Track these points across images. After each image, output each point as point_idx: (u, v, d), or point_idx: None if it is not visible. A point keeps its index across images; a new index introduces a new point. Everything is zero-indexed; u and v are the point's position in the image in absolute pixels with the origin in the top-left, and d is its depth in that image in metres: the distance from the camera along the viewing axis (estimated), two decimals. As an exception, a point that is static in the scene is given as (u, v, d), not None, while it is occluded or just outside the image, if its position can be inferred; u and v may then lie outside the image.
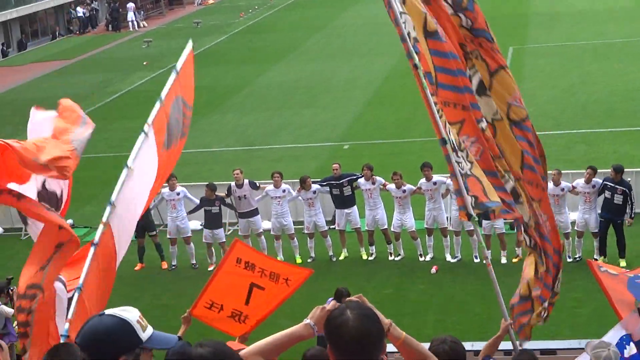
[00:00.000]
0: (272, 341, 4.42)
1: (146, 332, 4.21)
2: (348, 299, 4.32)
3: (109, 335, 4.05)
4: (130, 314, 4.18)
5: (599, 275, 8.51)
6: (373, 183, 19.09)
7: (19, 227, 22.12)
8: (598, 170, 18.47)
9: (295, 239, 19.75)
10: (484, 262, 18.63)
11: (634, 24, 43.63)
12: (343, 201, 19.50)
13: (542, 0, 53.60)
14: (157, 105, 7.85)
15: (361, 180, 19.25)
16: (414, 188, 18.83)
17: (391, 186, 18.98)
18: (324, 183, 19.61)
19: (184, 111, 8.28)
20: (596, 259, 18.16)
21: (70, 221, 22.91)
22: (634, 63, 35.66)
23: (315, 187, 19.48)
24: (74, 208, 23.87)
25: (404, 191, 18.90)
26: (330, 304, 4.30)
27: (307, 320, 4.31)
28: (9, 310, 14.14)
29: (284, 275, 9.23)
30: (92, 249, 7.17)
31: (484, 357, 8.32)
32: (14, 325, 14.17)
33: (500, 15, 49.31)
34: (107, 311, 4.16)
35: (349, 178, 19.45)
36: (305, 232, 19.77)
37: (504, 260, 18.53)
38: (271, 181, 19.71)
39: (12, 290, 14.53)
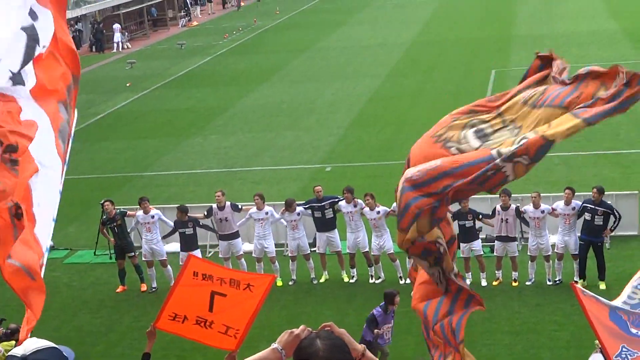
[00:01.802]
0: None
1: None
2: (323, 325, 4.36)
3: None
4: (47, 341, 4.16)
5: (582, 300, 8.36)
6: (355, 206, 19.11)
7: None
8: (577, 193, 18.59)
9: (277, 262, 19.72)
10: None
11: (615, 47, 43.98)
12: (324, 224, 19.53)
13: (524, 23, 53.99)
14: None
15: (342, 203, 19.27)
16: (389, 210, 18.65)
17: (365, 209, 18.98)
18: (307, 205, 19.66)
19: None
20: (576, 281, 18.29)
21: (50, 243, 22.80)
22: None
23: (299, 209, 19.51)
24: (56, 229, 23.73)
25: (378, 212, 18.87)
26: (300, 328, 4.34)
27: (274, 345, 4.32)
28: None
29: (245, 281, 9.20)
30: None
31: None
32: None
33: (482, 38, 49.75)
34: (33, 346, 4.05)
35: (330, 201, 19.49)
36: (289, 255, 19.75)
37: (484, 283, 18.61)
38: (253, 203, 19.76)
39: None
